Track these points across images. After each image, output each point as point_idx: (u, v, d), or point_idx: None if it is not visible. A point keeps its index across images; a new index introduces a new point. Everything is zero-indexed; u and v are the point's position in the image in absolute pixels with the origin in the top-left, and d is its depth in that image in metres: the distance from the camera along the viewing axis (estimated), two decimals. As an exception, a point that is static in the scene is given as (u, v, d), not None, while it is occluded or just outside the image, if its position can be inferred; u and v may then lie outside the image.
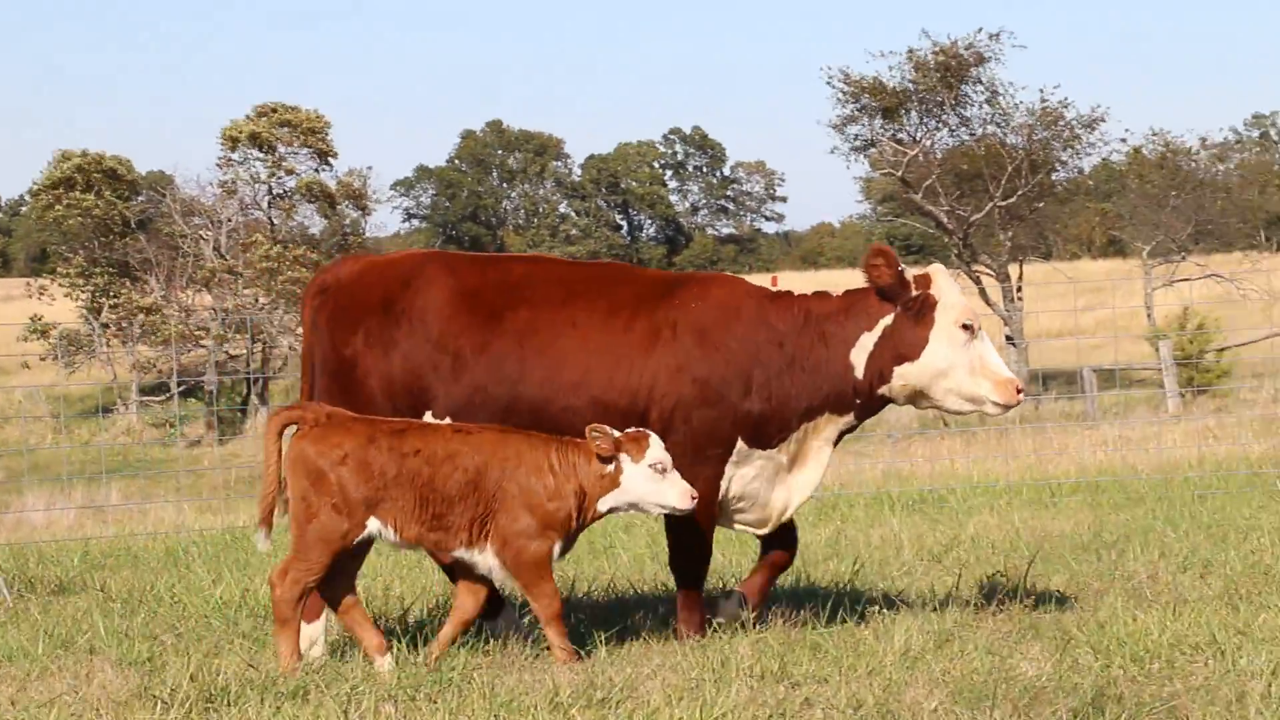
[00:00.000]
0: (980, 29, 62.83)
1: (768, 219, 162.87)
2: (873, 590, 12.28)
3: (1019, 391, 10.07)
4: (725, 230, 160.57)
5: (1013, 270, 59.81)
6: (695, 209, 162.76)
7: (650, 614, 11.21)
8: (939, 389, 10.17)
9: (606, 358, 10.13)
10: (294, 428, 9.75)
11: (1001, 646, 9.65)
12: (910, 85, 60.73)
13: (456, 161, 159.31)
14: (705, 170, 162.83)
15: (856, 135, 62.73)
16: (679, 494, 9.58)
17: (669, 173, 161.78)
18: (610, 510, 9.77)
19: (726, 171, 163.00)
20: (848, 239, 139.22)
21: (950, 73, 60.13)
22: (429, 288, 10.36)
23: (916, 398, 10.28)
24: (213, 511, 22.46)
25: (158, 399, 62.18)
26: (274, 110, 72.05)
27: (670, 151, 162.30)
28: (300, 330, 68.15)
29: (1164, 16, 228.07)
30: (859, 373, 10.24)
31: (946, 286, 10.24)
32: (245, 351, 68.25)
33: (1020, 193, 60.67)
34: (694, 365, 10.11)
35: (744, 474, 10.30)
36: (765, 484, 10.36)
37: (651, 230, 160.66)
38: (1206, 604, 10.98)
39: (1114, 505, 17.51)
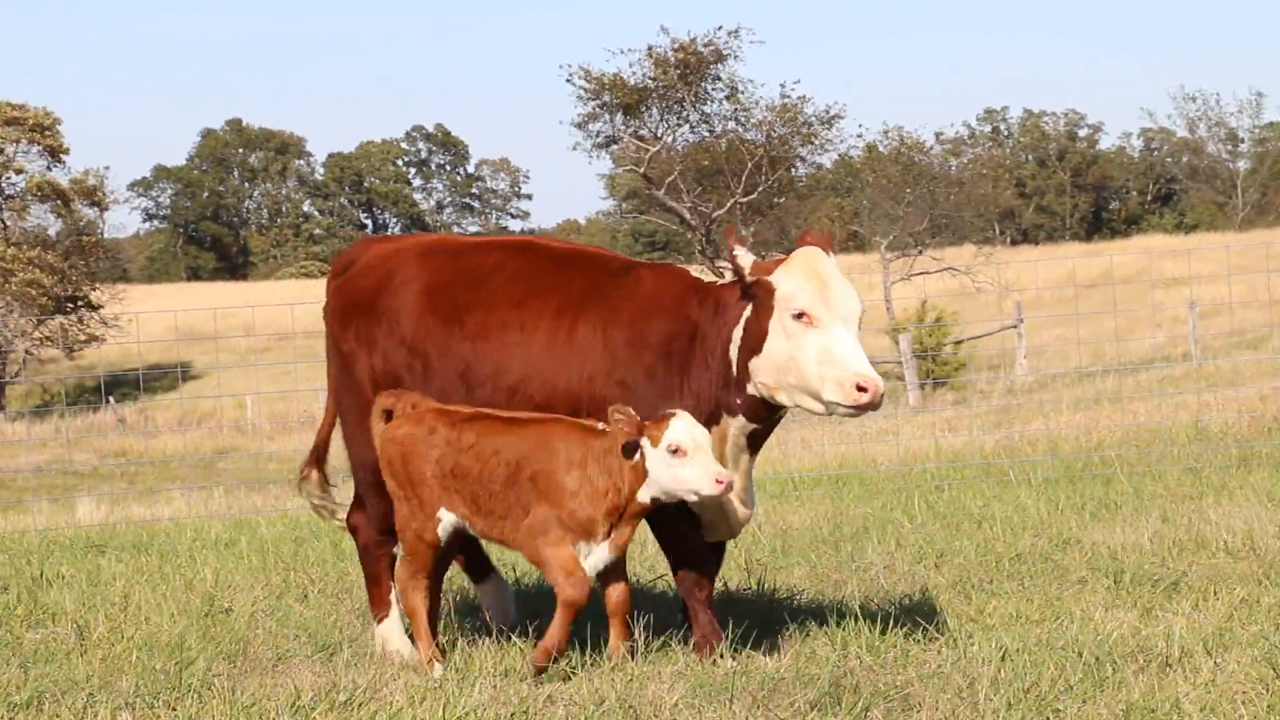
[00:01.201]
0: (720, 26, 63.40)
1: (513, 216, 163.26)
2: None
3: (861, 390, 8.72)
4: (471, 228, 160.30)
5: (755, 266, 60.44)
6: (440, 207, 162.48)
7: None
8: (787, 386, 9.03)
9: (548, 361, 9.53)
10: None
11: (741, 640, 9.76)
12: (650, 82, 61.19)
13: (196, 160, 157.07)
14: (449, 168, 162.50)
15: (598, 132, 63.10)
16: (702, 478, 8.71)
17: (413, 171, 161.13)
18: (654, 501, 8.90)
19: (470, 169, 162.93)
20: (594, 236, 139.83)
21: (690, 69, 60.70)
22: (404, 287, 9.99)
23: (780, 397, 9.13)
24: (-52, 521, 21.92)
25: (-111, 406, 60.72)
26: (-3, 110, 70.80)
27: (414, 149, 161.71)
28: (36, 335, 66.93)
29: (898, 13, 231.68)
30: (735, 369, 9.25)
31: (793, 269, 9.09)
32: (-21, 357, 66.81)
33: (761, 189, 61.46)
34: (619, 368, 9.41)
35: None
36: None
37: (397, 229, 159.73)
38: (940, 593, 11.22)
39: (854, 497, 17.74)
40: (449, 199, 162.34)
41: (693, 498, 8.82)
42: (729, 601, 11.15)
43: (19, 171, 72.15)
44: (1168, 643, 9.24)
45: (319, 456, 10.97)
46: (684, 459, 8.73)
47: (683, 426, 8.78)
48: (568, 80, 62.15)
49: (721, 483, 8.71)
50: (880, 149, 76.44)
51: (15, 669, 9.72)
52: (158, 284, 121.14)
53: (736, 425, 9.31)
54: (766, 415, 9.32)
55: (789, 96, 62.29)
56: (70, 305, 71.16)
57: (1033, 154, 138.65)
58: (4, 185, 72.20)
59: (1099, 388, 31.01)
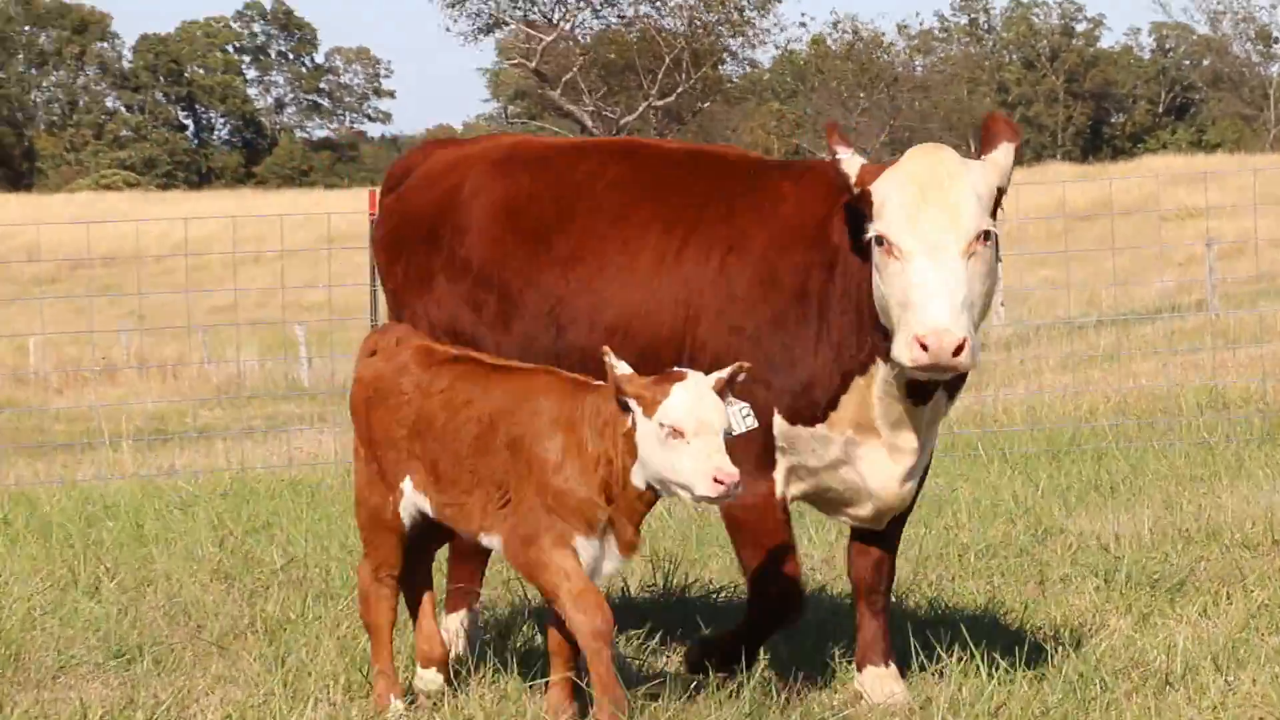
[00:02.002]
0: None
1: (371, 119, 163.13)
2: (493, 586, 12.37)
3: (922, 347, 8.08)
4: (318, 133, 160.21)
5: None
6: (280, 105, 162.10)
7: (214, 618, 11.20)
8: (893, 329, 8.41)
9: (653, 292, 9.00)
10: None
11: (648, 646, 9.79)
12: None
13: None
14: (292, 57, 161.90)
15: (478, 14, 63.02)
16: (696, 471, 7.74)
17: (246, 60, 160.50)
18: (649, 489, 8.06)
19: (319, 59, 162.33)
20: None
21: (592, -60, 60.63)
22: (474, 201, 9.54)
23: None
24: None
25: None
26: None
27: (248, 33, 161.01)
28: None
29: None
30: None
31: (893, 176, 8.42)
32: None
33: (681, 90, 61.74)
34: (735, 308, 8.81)
35: (802, 460, 8.86)
36: (843, 470, 8.84)
37: (225, 132, 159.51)
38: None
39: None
40: (291, 96, 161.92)
41: (684, 495, 7.91)
42: (628, 603, 11.18)
43: None
44: (1169, 656, 9.33)
45: None
46: (679, 442, 7.79)
47: (685, 399, 7.84)
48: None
49: (722, 483, 7.67)
50: (829, 44, 76.83)
51: None
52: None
53: (888, 371, 8.53)
54: None
55: (717, -27, 62.46)
56: None
57: (1019, 53, 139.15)
58: None
59: (1093, 343, 31.17)
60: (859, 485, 8.82)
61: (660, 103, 61.34)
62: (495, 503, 8.30)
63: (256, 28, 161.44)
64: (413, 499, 8.62)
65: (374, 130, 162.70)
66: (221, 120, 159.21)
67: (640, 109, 61.41)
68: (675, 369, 8.08)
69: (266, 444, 23.67)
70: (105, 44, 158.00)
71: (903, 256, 8.19)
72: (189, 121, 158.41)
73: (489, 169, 9.61)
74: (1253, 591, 10.95)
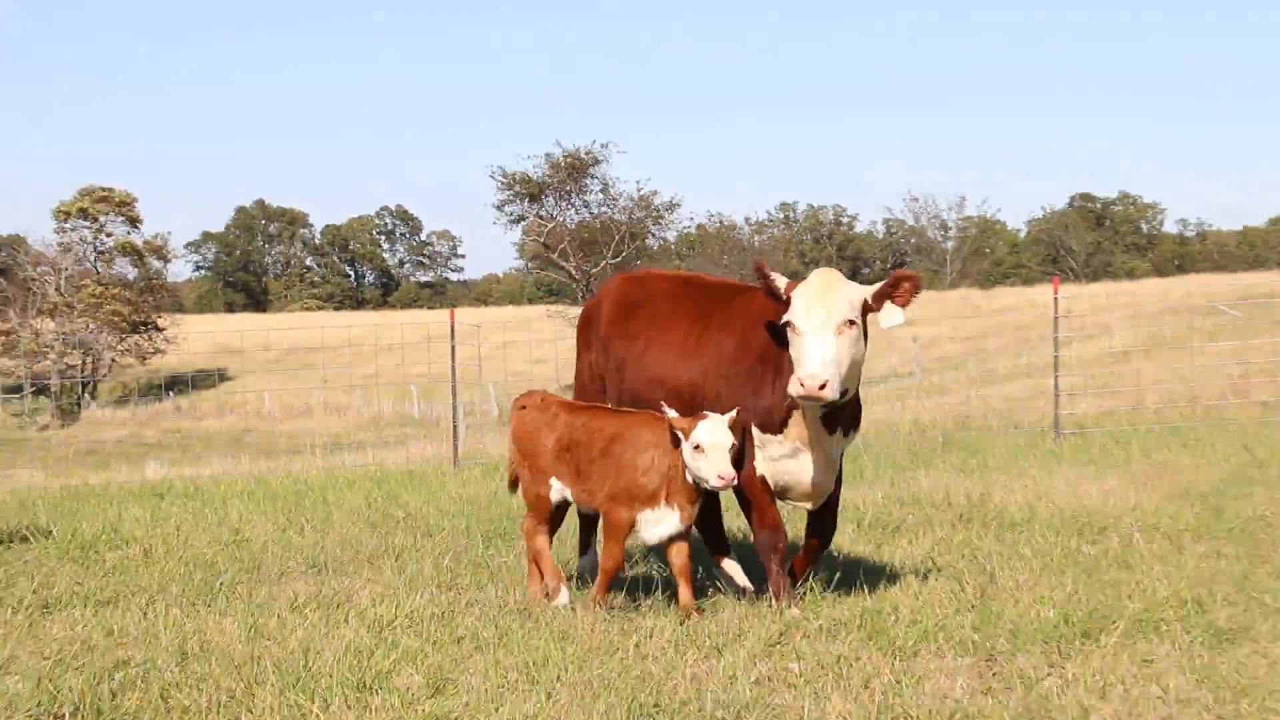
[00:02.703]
0: (595, 140, 63.54)
1: (453, 271, 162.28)
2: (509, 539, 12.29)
3: (801, 384, 7.75)
4: (423, 279, 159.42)
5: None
6: (402, 263, 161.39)
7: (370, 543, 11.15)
8: None
9: (679, 360, 8.71)
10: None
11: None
12: (547, 179, 61.59)
13: (232, 228, 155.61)
14: (407, 236, 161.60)
15: (512, 212, 63.39)
16: (710, 471, 7.75)
17: (382, 238, 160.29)
18: (694, 484, 7.97)
19: (423, 237, 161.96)
20: (509, 285, 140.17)
21: (575, 170, 61.01)
22: (604, 302, 9.36)
23: None
24: (54, 475, 21.62)
25: (17, 396, 60.52)
26: (92, 191, 72.25)
27: (383, 222, 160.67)
28: (120, 348, 66.60)
29: (724, 126, 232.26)
30: None
31: (799, 287, 8.06)
32: (79, 362, 67.88)
33: (624, 254, 61.70)
34: (724, 365, 8.50)
35: (769, 454, 8.35)
36: (791, 463, 8.35)
37: (370, 279, 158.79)
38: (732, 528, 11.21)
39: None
40: (407, 258, 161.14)
41: (706, 485, 7.85)
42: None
43: (108, 235, 72.77)
44: (890, 566, 9.36)
45: None
46: (701, 454, 7.78)
47: (706, 428, 7.82)
48: (491, 176, 62.25)
49: (724, 479, 7.72)
50: (707, 228, 76.88)
51: (100, 578, 9.66)
52: (204, 314, 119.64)
53: (812, 410, 8.12)
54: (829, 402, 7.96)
55: (643, 189, 62.82)
56: (142, 327, 71.53)
57: (811, 234, 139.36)
58: (97, 244, 72.61)
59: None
60: (798, 474, 8.39)
61: (613, 261, 61.18)
62: (605, 489, 8.16)
63: (388, 219, 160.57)
64: (559, 490, 8.48)
65: (454, 276, 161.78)
66: (369, 272, 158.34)
67: (601, 264, 61.24)
68: (703, 412, 7.95)
69: (394, 451, 23.56)
70: (305, 229, 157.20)
71: (799, 334, 7.86)
72: (351, 272, 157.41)
73: (618, 285, 9.44)
74: (936, 531, 10.96)
